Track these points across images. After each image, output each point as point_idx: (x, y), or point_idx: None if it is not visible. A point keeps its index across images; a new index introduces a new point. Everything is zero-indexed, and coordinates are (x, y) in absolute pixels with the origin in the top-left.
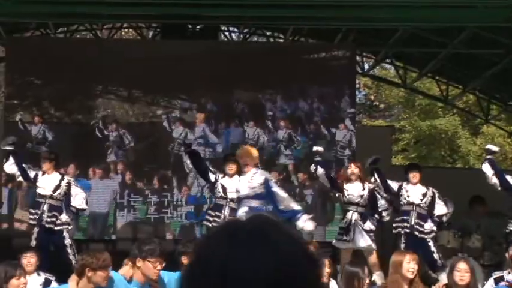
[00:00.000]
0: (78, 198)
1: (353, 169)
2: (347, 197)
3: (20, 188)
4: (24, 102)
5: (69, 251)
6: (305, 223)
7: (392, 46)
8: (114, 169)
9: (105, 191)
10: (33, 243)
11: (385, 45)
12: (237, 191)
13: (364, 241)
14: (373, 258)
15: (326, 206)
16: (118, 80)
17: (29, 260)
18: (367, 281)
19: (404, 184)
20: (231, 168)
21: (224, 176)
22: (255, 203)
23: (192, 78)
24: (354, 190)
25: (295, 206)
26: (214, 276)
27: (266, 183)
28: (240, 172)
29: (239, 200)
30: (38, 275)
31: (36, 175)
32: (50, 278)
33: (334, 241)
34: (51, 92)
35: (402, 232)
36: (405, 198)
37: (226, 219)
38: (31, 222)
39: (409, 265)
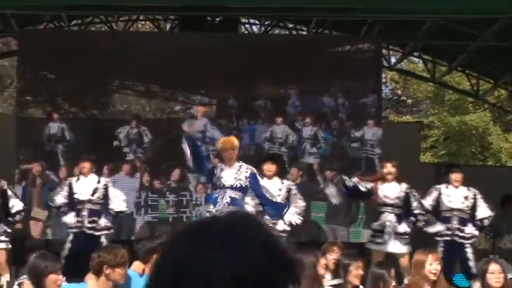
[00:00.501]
0: (116, 201)
1: (389, 169)
2: (382, 198)
3: (34, 185)
4: (37, 98)
5: None
6: (292, 216)
7: (420, 39)
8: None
9: (130, 189)
10: (66, 252)
11: (412, 37)
12: (221, 180)
13: (397, 246)
14: (405, 261)
15: (350, 207)
16: (134, 74)
17: None
18: (394, 283)
19: (443, 188)
20: (270, 169)
21: (262, 179)
22: (237, 195)
23: (211, 72)
24: (390, 191)
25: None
26: (168, 275)
27: (253, 177)
28: (277, 174)
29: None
30: None
31: (70, 184)
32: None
33: (367, 243)
34: (65, 87)
35: (442, 240)
36: (445, 204)
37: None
38: (73, 231)
39: (432, 266)
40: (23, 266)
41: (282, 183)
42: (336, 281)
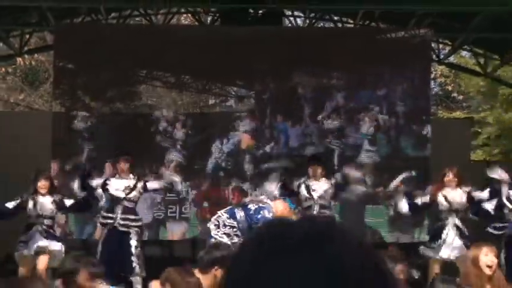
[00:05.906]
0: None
1: (450, 177)
2: (446, 204)
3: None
4: (70, 92)
5: (133, 251)
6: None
7: (472, 31)
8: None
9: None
10: (99, 248)
11: (463, 30)
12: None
13: (454, 252)
14: None
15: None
16: (165, 65)
17: None
18: None
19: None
20: (316, 171)
21: (308, 179)
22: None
23: (250, 64)
24: (455, 196)
25: None
26: None
27: None
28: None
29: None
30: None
31: (105, 182)
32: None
33: (421, 247)
34: (98, 81)
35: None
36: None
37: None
38: (106, 228)
39: (487, 257)
40: None
41: (331, 184)
42: None
